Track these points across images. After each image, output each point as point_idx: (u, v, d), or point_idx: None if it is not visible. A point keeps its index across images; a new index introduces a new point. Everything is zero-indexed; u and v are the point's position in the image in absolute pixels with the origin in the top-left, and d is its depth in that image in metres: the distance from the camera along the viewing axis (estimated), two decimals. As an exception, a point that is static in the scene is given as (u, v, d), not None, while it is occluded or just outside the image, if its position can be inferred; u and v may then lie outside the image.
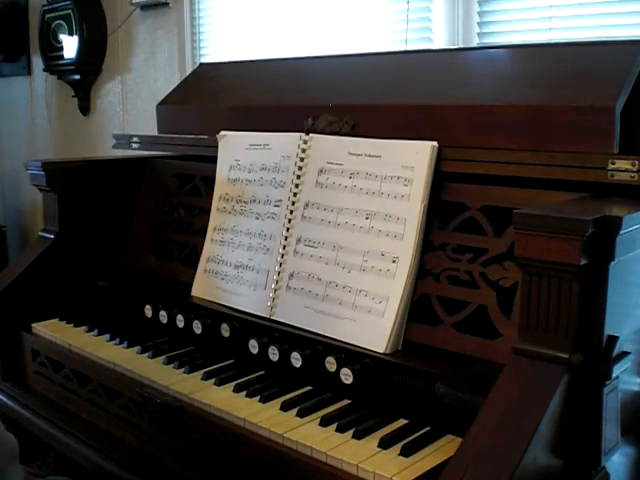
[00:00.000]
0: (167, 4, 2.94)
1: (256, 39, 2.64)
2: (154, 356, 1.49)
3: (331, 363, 1.27)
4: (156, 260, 1.81)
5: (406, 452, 1.08)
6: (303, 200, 1.47)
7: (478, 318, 1.21)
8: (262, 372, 1.38)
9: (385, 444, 1.10)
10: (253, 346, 1.39)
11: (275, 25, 2.58)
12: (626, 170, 1.09)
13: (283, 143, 1.54)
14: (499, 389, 0.97)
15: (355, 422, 1.17)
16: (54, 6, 3.38)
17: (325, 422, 1.18)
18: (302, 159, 1.49)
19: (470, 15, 2.03)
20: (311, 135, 1.50)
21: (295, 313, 1.41)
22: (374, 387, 1.24)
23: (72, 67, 3.35)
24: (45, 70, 3.55)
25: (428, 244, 1.30)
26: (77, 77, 3.39)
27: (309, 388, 1.31)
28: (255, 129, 1.63)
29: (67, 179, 1.83)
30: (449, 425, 1.13)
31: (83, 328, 1.69)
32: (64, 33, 3.33)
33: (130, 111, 3.26)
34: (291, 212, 1.48)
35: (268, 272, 1.49)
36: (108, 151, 2.39)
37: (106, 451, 1.41)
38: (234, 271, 1.56)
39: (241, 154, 1.63)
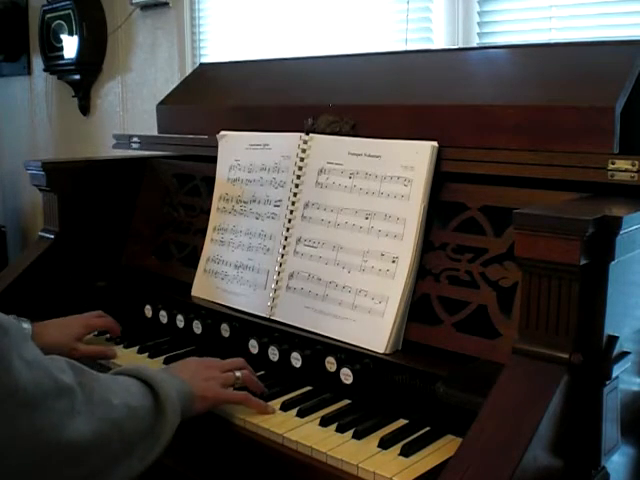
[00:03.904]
0: (167, 4, 2.94)
1: (256, 39, 2.64)
2: (153, 356, 1.49)
3: (331, 363, 1.27)
4: (156, 260, 1.81)
5: (406, 452, 1.08)
6: (303, 200, 1.47)
7: (478, 318, 1.21)
8: (262, 372, 1.38)
9: (385, 444, 1.10)
10: (253, 346, 1.39)
11: (275, 25, 2.57)
12: (626, 170, 1.09)
13: (283, 143, 1.54)
14: (499, 389, 0.97)
15: (355, 422, 1.17)
16: (54, 6, 3.37)
17: (325, 422, 1.18)
18: (302, 159, 1.49)
19: (470, 15, 2.03)
20: (311, 135, 1.50)
21: (295, 313, 1.41)
22: (374, 387, 1.24)
23: (72, 67, 3.35)
24: (45, 70, 3.55)
25: (428, 244, 1.30)
26: (77, 77, 3.39)
27: (309, 388, 1.31)
28: (255, 129, 1.63)
29: (67, 179, 1.83)
30: (449, 425, 1.13)
31: (83, 328, 1.69)
32: (64, 33, 3.33)
33: (130, 111, 3.26)
34: (291, 212, 1.48)
35: (268, 272, 1.49)
36: (108, 151, 2.39)
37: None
38: (234, 271, 1.56)
39: (241, 154, 1.63)
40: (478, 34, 2.02)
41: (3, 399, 0.84)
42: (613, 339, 1.01)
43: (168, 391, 1.07)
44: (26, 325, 1.39)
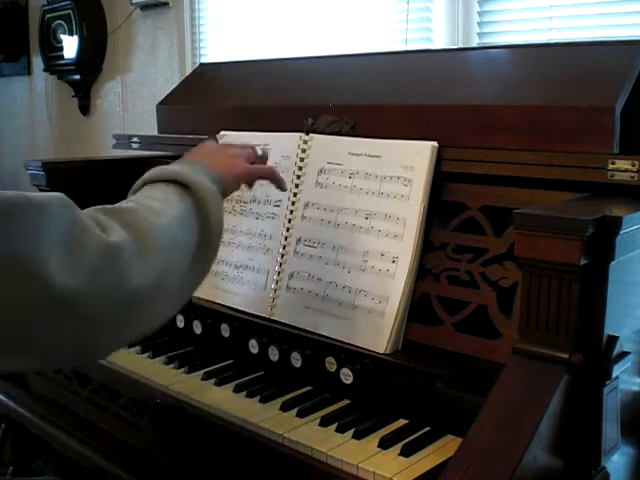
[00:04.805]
0: (167, 4, 2.94)
1: (256, 39, 2.64)
2: (154, 356, 1.49)
3: (331, 363, 1.27)
4: (156, 260, 1.80)
5: (406, 452, 1.08)
6: (303, 200, 1.47)
7: (478, 318, 1.21)
8: (262, 372, 1.38)
9: (385, 444, 1.10)
10: (253, 346, 1.39)
11: (275, 25, 2.58)
12: (626, 170, 1.09)
13: (283, 143, 1.54)
14: (499, 389, 0.97)
15: (355, 422, 1.17)
16: (54, 6, 3.38)
17: (325, 422, 1.18)
18: (302, 159, 1.49)
19: (470, 15, 2.03)
20: (311, 135, 1.50)
21: (295, 313, 1.41)
22: (374, 387, 1.24)
23: (72, 67, 3.35)
24: (45, 70, 3.55)
25: (428, 244, 1.30)
26: (77, 77, 3.40)
27: (309, 388, 1.31)
28: (255, 129, 1.63)
29: (67, 179, 1.83)
30: (449, 425, 1.13)
31: (83, 328, 1.69)
32: (64, 33, 3.34)
33: (130, 111, 3.26)
34: (291, 212, 1.48)
35: (268, 272, 1.49)
36: (108, 151, 2.39)
37: (106, 451, 1.41)
38: (234, 271, 1.56)
39: (241, 154, 1.63)
40: (478, 34, 2.02)
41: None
42: (613, 339, 1.01)
43: (202, 182, 1.01)
44: None
